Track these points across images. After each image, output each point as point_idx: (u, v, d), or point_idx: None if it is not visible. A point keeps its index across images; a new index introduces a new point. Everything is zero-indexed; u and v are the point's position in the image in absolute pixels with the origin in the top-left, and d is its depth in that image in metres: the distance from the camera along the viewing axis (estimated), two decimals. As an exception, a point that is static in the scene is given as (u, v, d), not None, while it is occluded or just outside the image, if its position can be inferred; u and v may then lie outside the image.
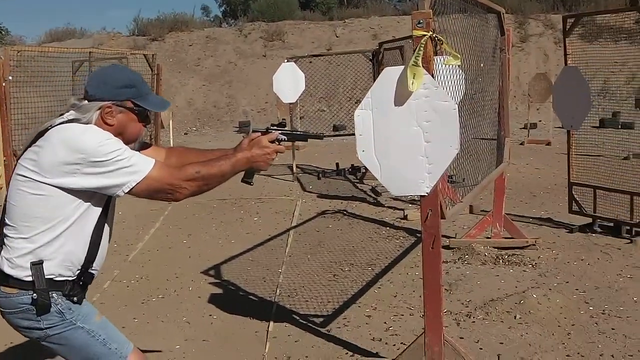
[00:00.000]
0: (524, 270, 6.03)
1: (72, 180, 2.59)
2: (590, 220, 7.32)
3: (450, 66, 3.91)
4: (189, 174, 2.74)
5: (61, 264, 2.68)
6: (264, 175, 12.20)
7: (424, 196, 3.59)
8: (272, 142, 2.93)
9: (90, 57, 10.63)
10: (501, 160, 6.12)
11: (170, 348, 4.76)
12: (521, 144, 14.79)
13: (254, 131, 2.97)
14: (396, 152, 3.57)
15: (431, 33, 3.35)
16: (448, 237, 7.01)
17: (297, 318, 5.29)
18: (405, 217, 8.34)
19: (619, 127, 13.93)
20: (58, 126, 2.65)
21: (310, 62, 14.68)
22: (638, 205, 6.87)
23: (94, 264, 2.81)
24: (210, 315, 5.48)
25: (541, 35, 23.32)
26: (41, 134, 2.67)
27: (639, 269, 5.91)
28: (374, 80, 3.96)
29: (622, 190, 7.13)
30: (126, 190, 2.65)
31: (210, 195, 9.70)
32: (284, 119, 2.97)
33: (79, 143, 2.58)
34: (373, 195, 9.90)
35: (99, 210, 2.75)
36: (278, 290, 5.94)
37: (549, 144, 14.51)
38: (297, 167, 12.09)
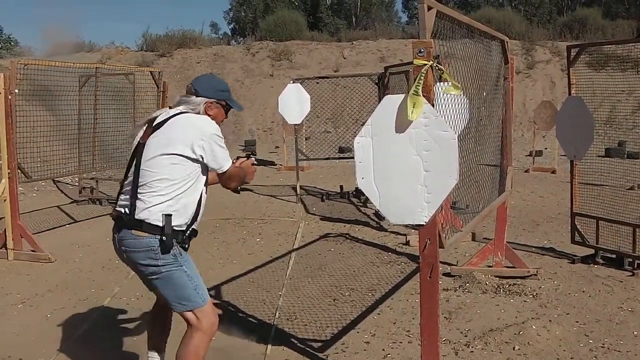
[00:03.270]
0: (525, 301, 5.98)
1: (199, 151, 3.60)
2: (592, 251, 7.25)
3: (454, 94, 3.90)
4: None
5: (180, 216, 3.62)
6: (267, 195, 12.22)
7: (422, 225, 3.57)
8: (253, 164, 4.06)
9: (97, 73, 10.67)
10: (503, 189, 6.10)
11: (166, 369, 4.71)
12: (526, 171, 14.77)
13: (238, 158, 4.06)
14: (395, 180, 3.56)
15: (432, 62, 3.34)
16: (449, 265, 6.98)
17: (296, 342, 5.25)
18: (407, 243, 8.31)
19: (625, 156, 13.91)
20: (180, 115, 3.72)
21: (317, 83, 14.71)
22: (641, 237, 6.81)
23: (197, 220, 3.77)
24: (208, 336, 5.44)
25: (548, 62, 23.38)
26: (161, 123, 3.69)
27: (640, 302, 5.86)
28: (379, 105, 3.95)
29: (625, 222, 7.08)
30: (224, 170, 3.71)
31: (214, 215, 9.80)
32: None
33: (207, 127, 3.67)
34: (376, 220, 9.87)
35: (205, 177, 3.76)
36: (277, 313, 5.91)
37: (554, 172, 14.47)
38: (301, 188, 12.09)
